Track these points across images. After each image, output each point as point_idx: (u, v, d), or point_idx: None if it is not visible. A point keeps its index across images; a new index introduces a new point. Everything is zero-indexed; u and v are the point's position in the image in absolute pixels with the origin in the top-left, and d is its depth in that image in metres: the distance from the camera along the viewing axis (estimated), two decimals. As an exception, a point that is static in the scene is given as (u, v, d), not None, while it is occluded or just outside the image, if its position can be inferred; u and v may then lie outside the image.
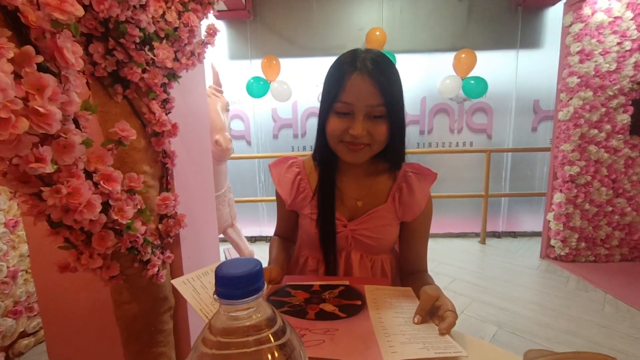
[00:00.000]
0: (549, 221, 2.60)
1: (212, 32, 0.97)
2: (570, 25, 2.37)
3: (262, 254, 2.84)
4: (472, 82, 2.83)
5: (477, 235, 3.24)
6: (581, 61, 2.33)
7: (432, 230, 0.76)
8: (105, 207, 0.61)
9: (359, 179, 0.73)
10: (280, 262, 0.73)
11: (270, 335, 0.24)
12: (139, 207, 0.71)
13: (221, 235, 2.20)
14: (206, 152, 1.26)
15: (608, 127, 2.38)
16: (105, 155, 0.60)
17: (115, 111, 0.77)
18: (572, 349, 1.55)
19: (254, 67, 3.13)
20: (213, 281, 0.55)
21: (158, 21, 0.80)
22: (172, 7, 0.84)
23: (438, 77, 3.00)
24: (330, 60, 0.66)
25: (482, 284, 2.24)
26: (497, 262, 2.64)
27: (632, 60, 2.29)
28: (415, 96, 3.16)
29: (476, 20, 3.05)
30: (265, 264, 0.60)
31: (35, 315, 1.59)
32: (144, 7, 0.73)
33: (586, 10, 2.29)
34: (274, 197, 0.80)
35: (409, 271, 0.76)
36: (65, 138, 0.50)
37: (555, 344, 1.59)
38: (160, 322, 0.87)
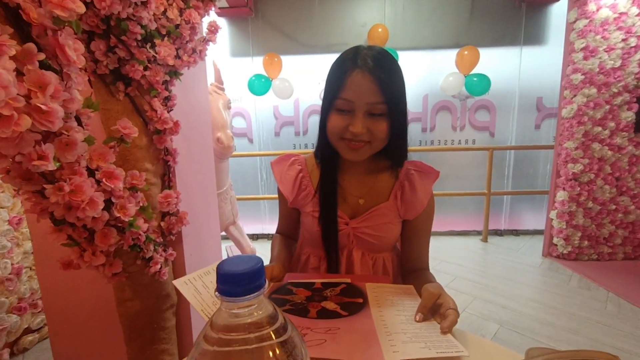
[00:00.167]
0: (552, 219, 2.59)
1: (213, 29, 0.97)
2: (574, 22, 2.34)
3: (263, 252, 2.85)
4: (475, 79, 2.81)
5: (479, 233, 3.23)
6: (585, 58, 2.31)
7: (434, 228, 0.76)
8: (108, 205, 0.61)
9: (361, 177, 0.73)
10: (282, 260, 0.73)
11: (271, 332, 0.24)
12: (141, 204, 0.72)
13: (223, 233, 2.21)
14: (208, 150, 1.26)
15: (612, 124, 2.36)
16: (107, 153, 0.60)
17: (117, 109, 0.77)
18: (574, 347, 1.55)
19: (255, 65, 3.12)
20: (214, 280, 0.56)
21: (159, 18, 0.80)
22: (174, 4, 0.84)
23: (440, 74, 2.98)
24: (332, 58, 0.65)
25: (484, 282, 2.24)
26: (499, 260, 2.64)
27: (637, 57, 2.26)
28: (417, 93, 3.14)
29: (479, 16, 3.02)
30: (266, 262, 0.60)
31: (39, 312, 1.61)
32: (145, 4, 0.72)
33: (591, 6, 2.26)
34: (276, 195, 0.80)
35: (410, 269, 0.76)
36: (68, 135, 0.50)
37: (557, 343, 1.59)
38: (162, 319, 0.88)
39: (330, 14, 3.08)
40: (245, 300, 0.23)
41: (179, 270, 0.99)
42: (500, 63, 3.03)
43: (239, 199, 2.62)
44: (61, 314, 1.03)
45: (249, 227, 3.27)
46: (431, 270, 0.74)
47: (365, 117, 0.61)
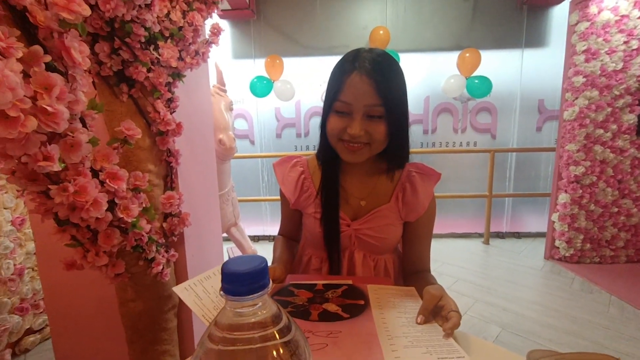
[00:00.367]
0: (554, 222, 2.58)
1: (216, 31, 0.97)
2: (576, 24, 2.35)
3: (265, 253, 2.83)
4: (477, 81, 2.82)
5: (480, 235, 3.23)
6: (587, 60, 2.31)
7: (436, 231, 0.76)
8: (111, 206, 0.62)
9: (362, 179, 0.73)
10: (283, 262, 0.73)
11: (275, 332, 0.24)
12: (144, 205, 0.72)
13: (224, 234, 2.21)
14: (210, 151, 1.27)
15: (614, 127, 2.35)
16: (111, 154, 0.61)
17: (120, 110, 0.78)
18: (576, 350, 1.54)
19: (257, 67, 3.14)
20: (216, 285, 0.56)
21: (163, 20, 0.81)
22: (177, 7, 0.84)
23: (442, 77, 2.98)
24: (333, 60, 0.66)
25: (486, 285, 2.23)
26: (501, 262, 2.63)
27: (639, 59, 2.26)
28: (419, 95, 3.15)
29: (481, 19, 3.03)
30: (269, 263, 0.60)
31: (41, 313, 1.61)
32: (149, 6, 0.73)
33: (592, 8, 2.26)
34: (278, 197, 0.80)
35: (411, 271, 0.76)
36: (73, 137, 0.51)
37: (558, 346, 1.58)
38: (164, 320, 0.88)
39: (332, 16, 3.09)
40: (249, 299, 0.23)
41: (180, 271, 0.99)
42: (501, 65, 3.04)
43: (240, 201, 2.62)
44: (63, 314, 1.03)
45: (250, 228, 3.27)
46: (433, 273, 0.74)
47: (364, 119, 0.61)
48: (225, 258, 1.89)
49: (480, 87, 2.81)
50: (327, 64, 2.93)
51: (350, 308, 0.54)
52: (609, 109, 2.33)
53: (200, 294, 0.54)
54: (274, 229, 3.43)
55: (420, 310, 0.52)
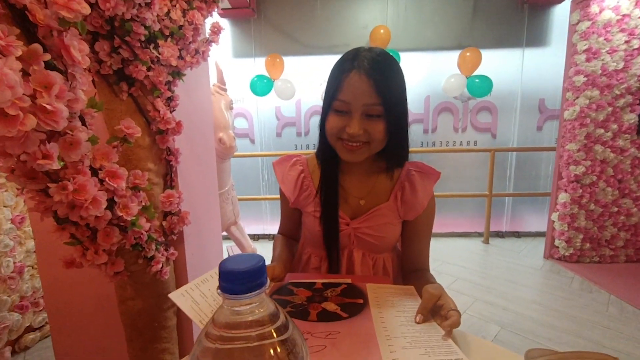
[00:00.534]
0: (554, 221, 2.58)
1: (216, 30, 0.97)
2: (577, 23, 2.34)
3: (265, 252, 2.85)
4: (477, 80, 2.81)
5: (480, 234, 3.23)
6: (588, 60, 2.31)
7: (435, 230, 0.76)
8: (111, 204, 0.62)
9: (361, 178, 0.73)
10: (283, 260, 0.73)
11: (272, 330, 0.24)
12: (143, 204, 0.72)
13: (224, 233, 2.21)
14: (210, 150, 1.27)
15: (615, 126, 2.35)
16: (110, 153, 0.61)
17: (120, 109, 0.78)
18: (575, 349, 1.54)
19: (257, 65, 3.13)
20: (213, 289, 0.55)
21: (163, 19, 0.81)
22: (177, 5, 0.84)
23: (442, 76, 2.98)
24: (334, 59, 0.66)
25: (485, 284, 2.23)
26: (501, 262, 2.63)
27: (640, 59, 2.26)
28: (419, 95, 3.14)
29: (481, 18, 3.02)
30: (268, 262, 0.60)
31: (41, 310, 1.61)
32: (149, 5, 0.73)
33: (594, 8, 2.26)
34: (277, 195, 0.80)
35: (410, 269, 0.76)
36: (72, 135, 0.51)
37: (558, 345, 1.58)
38: (163, 318, 0.88)
39: (333, 15, 3.09)
40: (246, 298, 0.23)
41: (180, 270, 0.99)
42: (502, 64, 3.03)
43: (240, 199, 2.62)
44: (63, 312, 1.04)
45: (250, 227, 3.28)
46: (432, 272, 0.74)
47: (362, 119, 0.61)
48: (225, 257, 1.89)
49: (481, 86, 2.81)
50: (328, 63, 2.91)
51: (349, 307, 0.55)
52: (610, 109, 2.33)
53: (197, 298, 0.53)
54: (273, 228, 3.44)
55: (419, 309, 0.52)
